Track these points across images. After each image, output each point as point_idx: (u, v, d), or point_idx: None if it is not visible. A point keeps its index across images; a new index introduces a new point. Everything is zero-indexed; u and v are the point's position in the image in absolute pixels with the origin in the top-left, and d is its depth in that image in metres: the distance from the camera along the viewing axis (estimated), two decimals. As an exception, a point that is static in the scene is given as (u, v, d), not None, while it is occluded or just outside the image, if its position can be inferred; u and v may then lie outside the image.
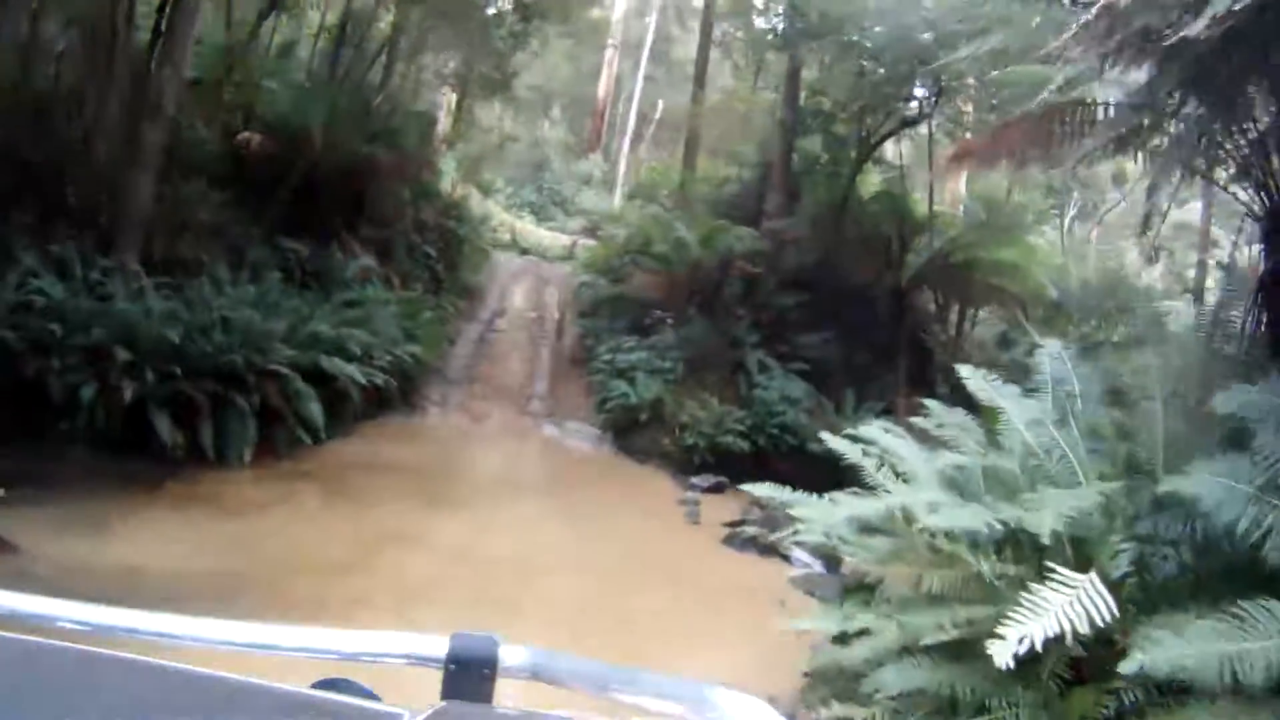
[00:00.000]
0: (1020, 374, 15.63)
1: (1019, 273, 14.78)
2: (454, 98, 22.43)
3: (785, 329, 13.63)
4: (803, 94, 15.60)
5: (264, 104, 13.05)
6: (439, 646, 0.69)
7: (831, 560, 8.26)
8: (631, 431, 12.39)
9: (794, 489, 10.20)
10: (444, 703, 0.66)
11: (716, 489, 11.04)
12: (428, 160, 15.56)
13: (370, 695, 0.71)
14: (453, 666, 0.69)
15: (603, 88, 30.54)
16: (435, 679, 0.69)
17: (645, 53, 31.48)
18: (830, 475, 11.87)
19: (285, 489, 8.76)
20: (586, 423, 12.99)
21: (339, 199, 13.20)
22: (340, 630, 0.71)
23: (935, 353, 16.21)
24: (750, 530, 8.67)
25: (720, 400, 12.43)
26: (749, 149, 18.19)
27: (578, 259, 19.18)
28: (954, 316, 16.06)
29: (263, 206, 12.04)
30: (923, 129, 16.69)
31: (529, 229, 24.34)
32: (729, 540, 8.62)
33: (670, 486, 11.16)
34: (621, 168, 29.86)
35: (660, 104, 30.99)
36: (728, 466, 11.82)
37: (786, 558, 8.30)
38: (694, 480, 11.21)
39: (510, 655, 0.69)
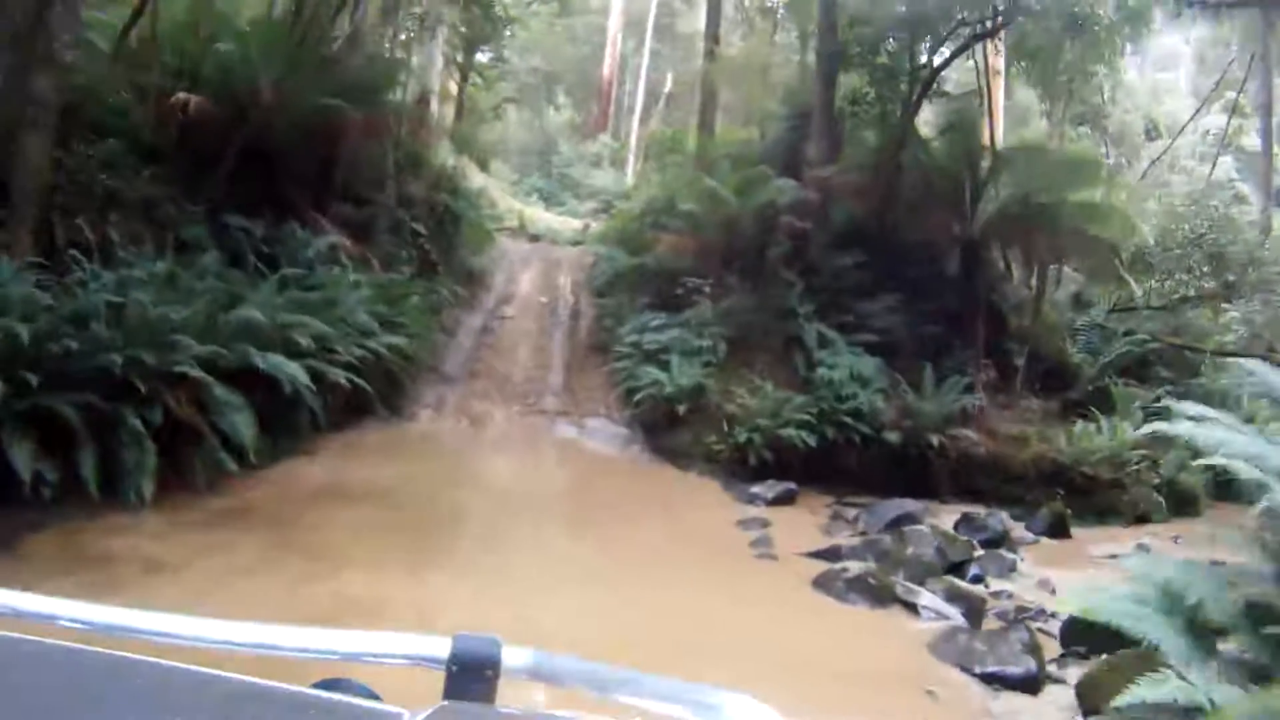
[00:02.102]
0: (1100, 338, 12.33)
1: (1110, 216, 11.80)
2: (453, 85, 19.83)
3: (843, 295, 10.68)
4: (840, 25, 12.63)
5: (210, 64, 10.27)
6: (441, 647, 0.63)
7: (975, 610, 5.39)
8: (668, 428, 9.50)
9: (870, 492, 7.13)
10: (445, 702, 0.61)
11: (785, 499, 8.18)
12: (415, 121, 12.68)
13: (371, 695, 0.65)
14: (455, 668, 0.62)
15: (608, 66, 27.73)
16: (437, 680, 0.61)
17: (650, 28, 28.68)
18: (914, 475, 8.80)
19: (205, 538, 5.98)
20: (611, 420, 10.14)
21: (301, 168, 10.44)
22: (341, 630, 0.65)
23: (1009, 317, 13.26)
24: (854, 568, 5.80)
25: (774, 384, 9.52)
26: (774, 103, 15.35)
27: (591, 238, 16.36)
28: (1032, 273, 13.06)
29: (202, 179, 9.31)
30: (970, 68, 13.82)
31: (538, 214, 21.66)
32: (822, 583, 5.72)
33: (723, 498, 8.24)
34: (632, 145, 27.09)
35: (670, 76, 28.18)
36: (787, 466, 8.96)
37: (912, 606, 5.42)
38: (754, 489, 8.28)
39: (513, 656, 0.63)
